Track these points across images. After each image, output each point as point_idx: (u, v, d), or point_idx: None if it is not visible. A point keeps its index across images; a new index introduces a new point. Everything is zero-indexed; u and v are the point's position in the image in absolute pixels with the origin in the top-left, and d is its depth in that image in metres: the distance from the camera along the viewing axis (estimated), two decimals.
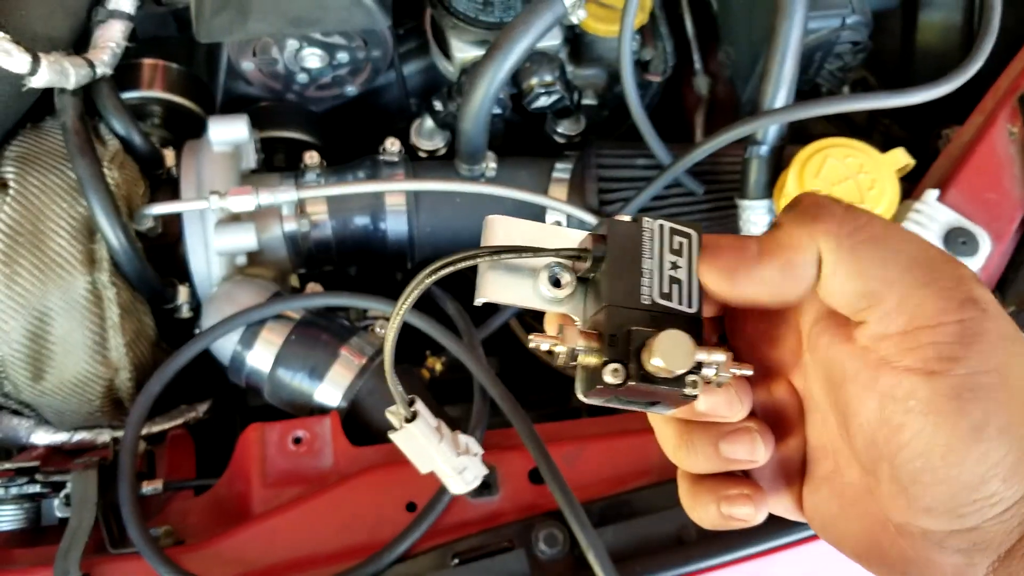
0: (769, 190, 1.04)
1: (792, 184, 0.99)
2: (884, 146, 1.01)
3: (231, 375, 1.07)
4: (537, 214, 1.16)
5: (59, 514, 0.95)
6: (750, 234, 1.06)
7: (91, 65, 1.02)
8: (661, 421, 0.53)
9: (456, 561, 0.86)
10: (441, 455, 0.63)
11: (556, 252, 0.49)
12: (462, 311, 1.08)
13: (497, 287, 0.49)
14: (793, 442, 0.52)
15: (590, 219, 1.11)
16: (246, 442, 0.97)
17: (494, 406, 0.97)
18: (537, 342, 0.48)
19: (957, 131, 1.06)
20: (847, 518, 0.49)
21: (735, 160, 1.10)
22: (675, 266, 0.48)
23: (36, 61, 0.94)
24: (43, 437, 1.06)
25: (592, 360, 0.47)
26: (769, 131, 1.02)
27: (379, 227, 1.17)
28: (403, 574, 0.86)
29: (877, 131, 1.27)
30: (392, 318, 0.50)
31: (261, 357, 1.05)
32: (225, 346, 1.06)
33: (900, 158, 1.00)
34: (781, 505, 0.53)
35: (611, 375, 0.45)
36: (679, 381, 0.46)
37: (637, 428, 0.97)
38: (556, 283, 0.49)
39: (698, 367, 0.46)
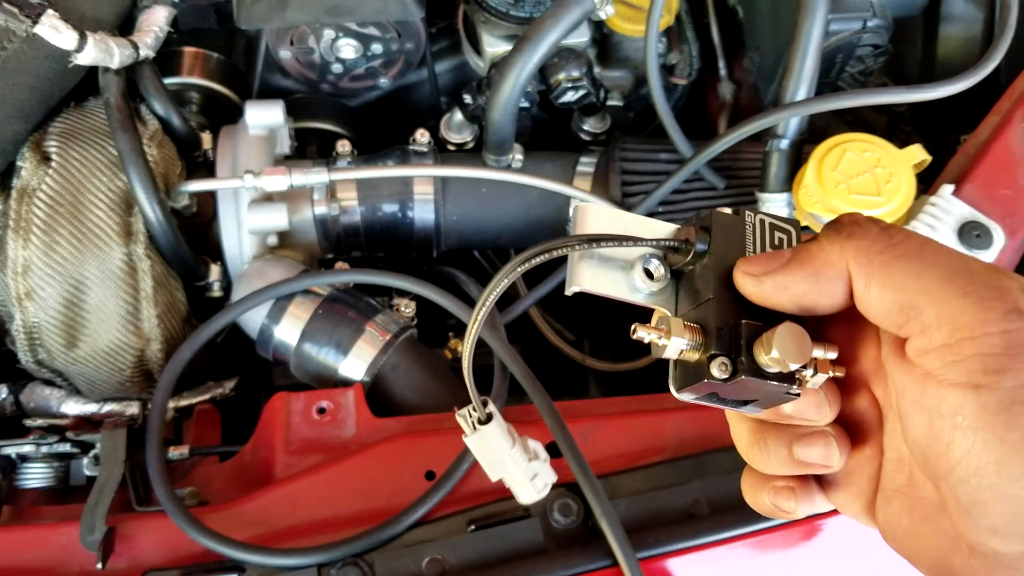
0: (789, 183, 1.06)
1: (811, 177, 1.01)
2: None
3: (259, 348, 1.09)
4: (561, 205, 1.19)
5: (88, 473, 0.97)
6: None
7: (135, 47, 1.05)
8: (736, 419, 0.53)
9: (472, 527, 0.88)
10: (513, 461, 0.61)
11: (657, 243, 0.48)
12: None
13: (589, 277, 0.48)
14: (869, 451, 0.51)
15: None
16: (272, 410, 0.99)
17: (513, 384, 0.98)
18: (641, 334, 0.47)
19: (973, 133, 1.08)
20: (919, 534, 0.48)
21: (755, 156, 1.12)
22: None
23: (83, 39, 0.98)
24: (73, 407, 1.08)
25: (694, 355, 0.46)
26: (790, 124, 1.04)
27: (407, 215, 1.20)
28: (420, 538, 0.87)
29: (896, 138, 1.29)
30: (477, 307, 0.49)
31: (288, 331, 1.07)
32: (254, 319, 1.08)
33: (917, 153, 1.01)
34: (852, 510, 0.53)
35: (718, 368, 0.44)
36: (790, 377, 0.45)
37: (653, 408, 0.98)
38: (649, 275, 0.48)
39: (805, 364, 0.45)
